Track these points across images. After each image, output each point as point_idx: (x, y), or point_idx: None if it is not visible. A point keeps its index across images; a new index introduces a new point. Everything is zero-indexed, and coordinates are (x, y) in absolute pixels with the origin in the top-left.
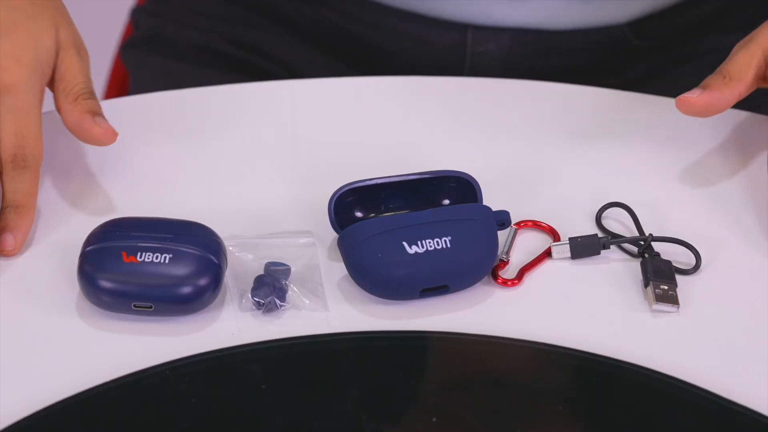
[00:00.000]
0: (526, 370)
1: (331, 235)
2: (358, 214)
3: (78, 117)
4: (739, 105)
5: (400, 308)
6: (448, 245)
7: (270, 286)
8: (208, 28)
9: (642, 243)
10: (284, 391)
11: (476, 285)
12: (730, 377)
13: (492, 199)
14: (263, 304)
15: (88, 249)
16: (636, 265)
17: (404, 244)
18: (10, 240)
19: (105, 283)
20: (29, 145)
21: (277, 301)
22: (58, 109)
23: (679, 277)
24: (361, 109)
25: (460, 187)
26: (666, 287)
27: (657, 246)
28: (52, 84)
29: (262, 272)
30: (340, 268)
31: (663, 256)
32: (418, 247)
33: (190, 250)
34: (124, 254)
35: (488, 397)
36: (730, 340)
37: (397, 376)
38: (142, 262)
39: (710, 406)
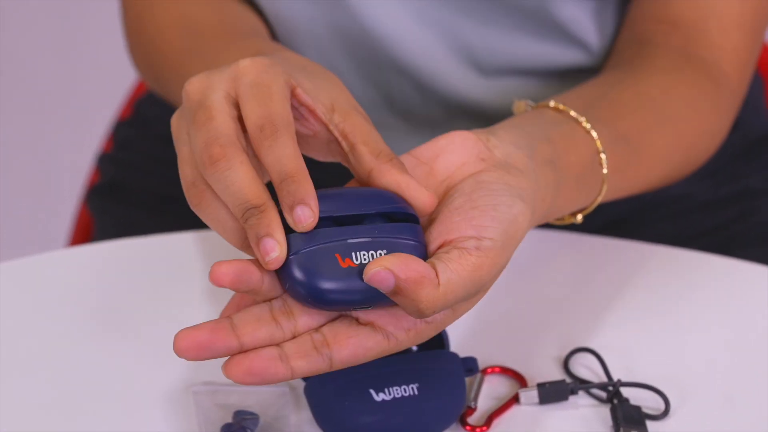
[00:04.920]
0: None
1: (301, 383)
2: None
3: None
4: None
5: None
6: (416, 392)
7: None
8: (172, 176)
9: (611, 389)
10: None
11: None
12: None
13: (459, 345)
14: None
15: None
16: (605, 410)
17: (371, 391)
18: (306, 211)
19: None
20: (275, 111)
21: None
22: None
23: (649, 423)
24: None
25: None
26: None
27: (626, 391)
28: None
29: (230, 420)
30: (309, 417)
31: (632, 401)
32: (385, 394)
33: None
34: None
35: None
36: None
37: None
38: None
39: None
